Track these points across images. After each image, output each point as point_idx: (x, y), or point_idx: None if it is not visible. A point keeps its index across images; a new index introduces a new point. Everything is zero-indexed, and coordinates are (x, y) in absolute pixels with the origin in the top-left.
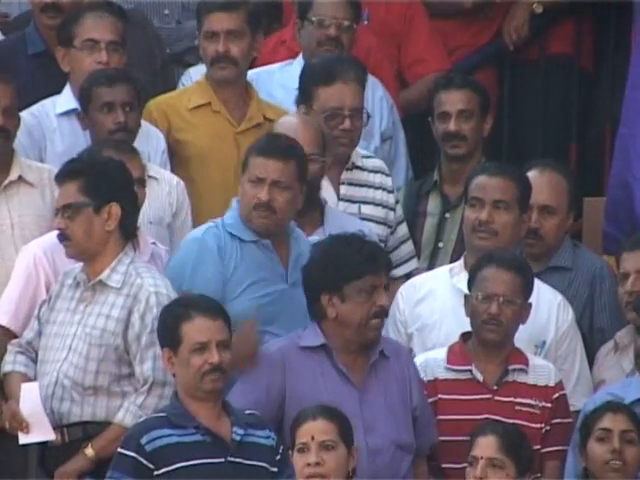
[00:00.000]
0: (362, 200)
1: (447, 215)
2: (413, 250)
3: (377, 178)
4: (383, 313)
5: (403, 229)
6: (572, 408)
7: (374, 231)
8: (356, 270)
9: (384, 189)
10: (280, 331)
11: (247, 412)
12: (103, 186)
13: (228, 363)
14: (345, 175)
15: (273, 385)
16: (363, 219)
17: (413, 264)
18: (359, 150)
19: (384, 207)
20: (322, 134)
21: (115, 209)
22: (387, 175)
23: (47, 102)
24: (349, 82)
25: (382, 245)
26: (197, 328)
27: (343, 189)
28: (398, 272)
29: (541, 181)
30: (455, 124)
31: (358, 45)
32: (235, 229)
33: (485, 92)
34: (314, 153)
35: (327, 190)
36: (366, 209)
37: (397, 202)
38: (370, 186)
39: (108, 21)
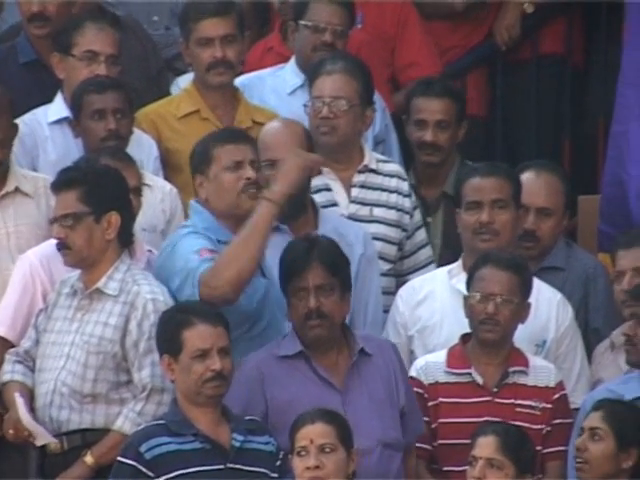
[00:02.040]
0: (375, 203)
1: (429, 219)
2: (431, 255)
3: (393, 182)
4: (314, 314)
5: (421, 234)
6: (573, 406)
7: (381, 232)
8: (286, 273)
9: (399, 193)
10: (262, 327)
11: (247, 418)
12: (103, 195)
13: (228, 370)
14: (357, 178)
15: (252, 403)
16: (375, 221)
17: (431, 269)
18: (375, 154)
19: (398, 210)
20: (306, 137)
21: (115, 218)
22: (404, 180)
23: (39, 111)
24: (332, 73)
25: (394, 247)
26: (198, 335)
27: (355, 191)
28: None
29: (538, 183)
30: (432, 134)
31: (347, 45)
32: (211, 231)
33: (463, 99)
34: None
35: (338, 193)
36: (378, 211)
37: (415, 208)
38: (384, 189)
39: (109, 33)
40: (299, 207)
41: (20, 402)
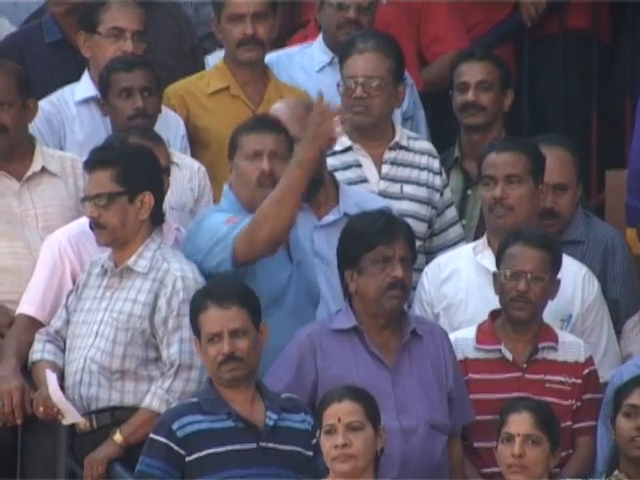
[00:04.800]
0: (405, 180)
1: (469, 192)
2: (462, 233)
3: (423, 159)
4: (398, 284)
5: (452, 212)
6: (600, 380)
7: (411, 209)
8: (368, 241)
9: (430, 170)
10: (285, 312)
11: (284, 396)
12: (137, 175)
13: (244, 350)
14: (388, 154)
15: (304, 372)
16: (405, 198)
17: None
18: (406, 131)
19: (428, 187)
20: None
21: (148, 198)
22: (434, 157)
23: (66, 90)
24: (365, 51)
25: (424, 224)
26: (210, 319)
27: (385, 168)
28: None
29: (549, 159)
30: (473, 94)
31: (376, 21)
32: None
33: (506, 66)
34: (299, 132)
35: (369, 169)
36: (409, 188)
37: (446, 186)
38: (415, 167)
39: (134, 10)
40: (316, 183)
41: (51, 377)
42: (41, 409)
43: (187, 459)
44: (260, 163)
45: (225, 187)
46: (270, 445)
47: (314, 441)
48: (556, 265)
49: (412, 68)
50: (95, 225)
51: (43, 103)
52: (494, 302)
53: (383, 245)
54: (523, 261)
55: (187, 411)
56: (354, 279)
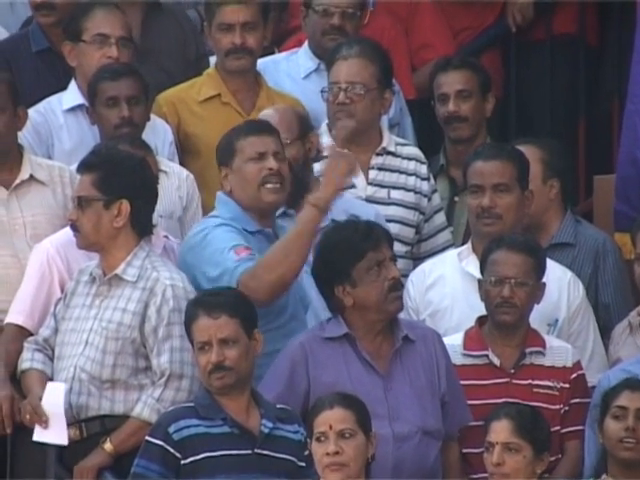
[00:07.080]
0: (392, 185)
1: (456, 199)
2: (450, 239)
3: (411, 165)
4: (398, 284)
5: (440, 218)
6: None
7: (399, 214)
8: (356, 252)
9: (418, 176)
10: (286, 317)
11: (278, 406)
12: (116, 182)
13: (233, 359)
14: (375, 160)
15: (296, 381)
16: (393, 204)
17: None
18: (394, 137)
19: (416, 193)
20: (298, 122)
21: (125, 206)
22: (422, 163)
23: (53, 99)
24: (348, 57)
25: (412, 229)
26: (199, 328)
27: (373, 173)
28: None
29: None
30: (454, 104)
31: (371, 26)
32: (238, 222)
33: (484, 71)
34: (287, 137)
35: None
36: (396, 194)
37: (434, 191)
38: (403, 172)
39: (118, 16)
40: (302, 186)
41: (61, 392)
42: (28, 416)
43: (183, 462)
44: (266, 163)
45: (220, 195)
46: (265, 452)
47: (306, 452)
48: (540, 269)
49: (404, 76)
50: (73, 228)
51: (30, 112)
52: (480, 308)
53: (373, 251)
54: (506, 267)
55: (184, 415)
56: (348, 293)
